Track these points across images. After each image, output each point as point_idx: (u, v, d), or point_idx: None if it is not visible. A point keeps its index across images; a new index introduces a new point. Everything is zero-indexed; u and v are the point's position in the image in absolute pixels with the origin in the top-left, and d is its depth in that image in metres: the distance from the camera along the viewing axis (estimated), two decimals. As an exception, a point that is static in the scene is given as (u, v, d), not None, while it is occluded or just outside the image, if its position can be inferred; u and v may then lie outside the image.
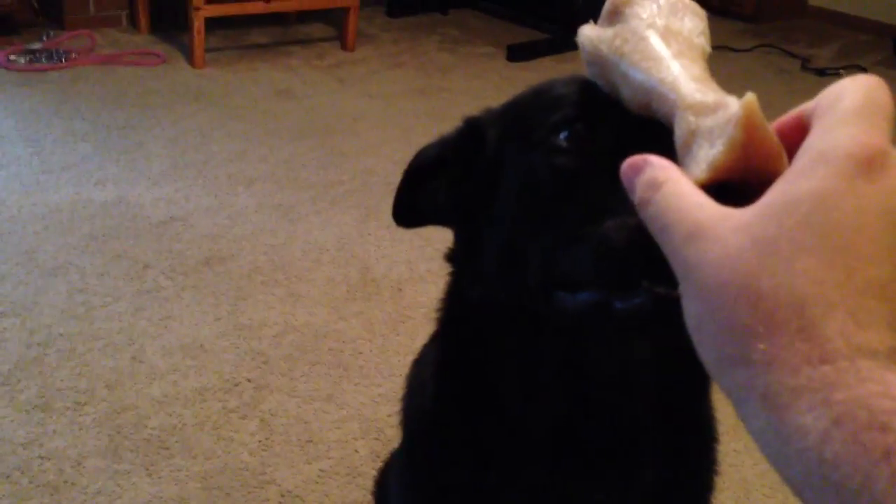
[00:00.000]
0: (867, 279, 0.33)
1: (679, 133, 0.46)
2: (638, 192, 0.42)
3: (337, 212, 2.54)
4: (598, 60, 0.55)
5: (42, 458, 1.57)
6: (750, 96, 0.41)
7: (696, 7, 0.57)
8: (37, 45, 3.46)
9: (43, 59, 3.40)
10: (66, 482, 1.53)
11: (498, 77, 3.78)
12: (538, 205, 0.62)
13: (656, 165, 0.42)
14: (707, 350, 0.37)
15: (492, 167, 0.69)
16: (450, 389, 0.77)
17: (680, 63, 0.50)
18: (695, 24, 0.55)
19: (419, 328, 2.02)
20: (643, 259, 0.47)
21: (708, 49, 0.54)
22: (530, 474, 0.73)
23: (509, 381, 0.71)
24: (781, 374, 0.33)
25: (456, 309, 0.76)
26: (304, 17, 4.24)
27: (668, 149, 0.46)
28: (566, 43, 4.04)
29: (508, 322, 0.69)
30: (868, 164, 0.35)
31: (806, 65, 4.19)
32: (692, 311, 0.38)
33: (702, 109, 0.46)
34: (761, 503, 1.62)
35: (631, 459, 0.71)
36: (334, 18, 4.15)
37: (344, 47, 3.96)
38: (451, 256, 0.76)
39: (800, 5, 5.10)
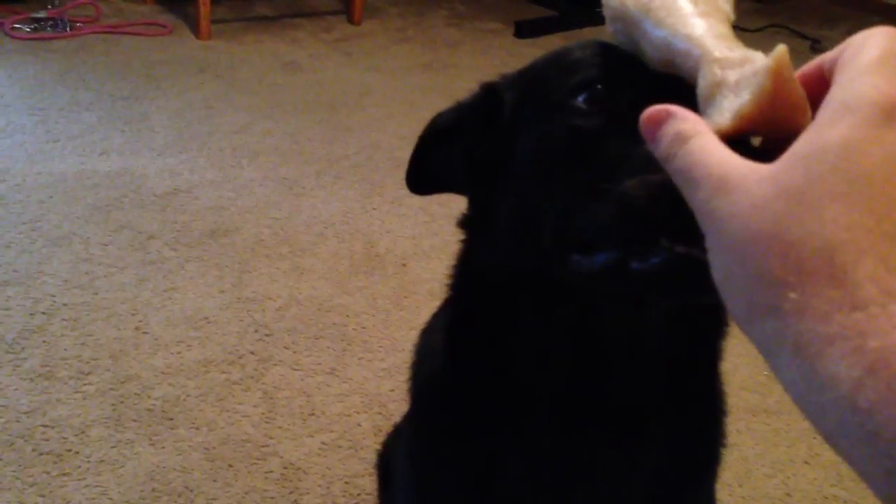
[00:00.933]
0: None
1: (703, 84, 0.46)
2: (663, 146, 0.42)
3: (342, 186, 2.53)
4: (623, 17, 0.55)
5: (45, 426, 1.58)
6: (781, 48, 0.41)
7: None
8: (41, 14, 3.43)
9: (48, 28, 3.37)
10: (69, 450, 1.53)
11: (505, 53, 3.76)
12: (556, 166, 0.61)
13: (680, 117, 0.42)
14: (736, 301, 0.37)
15: (508, 131, 0.68)
16: (460, 356, 0.77)
17: (706, 21, 0.50)
18: None
19: (423, 304, 2.02)
20: (663, 217, 0.47)
21: (732, 16, 0.54)
22: (539, 442, 0.73)
23: (521, 347, 0.71)
24: (813, 322, 0.33)
25: (469, 275, 0.76)
26: (311, -11, 4.20)
27: (689, 106, 0.46)
28: (574, 20, 4.01)
29: (522, 286, 0.68)
30: (893, 112, 0.35)
31: (815, 46, 4.16)
32: (720, 263, 0.37)
33: (728, 63, 0.46)
34: (762, 482, 1.62)
35: (640, 428, 0.71)
36: (341, -9, 4.11)
37: (351, 21, 3.93)
38: (465, 223, 0.76)
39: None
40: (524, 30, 3.98)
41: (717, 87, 0.45)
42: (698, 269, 0.40)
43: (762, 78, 0.41)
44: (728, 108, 0.43)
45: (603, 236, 0.55)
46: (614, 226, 0.53)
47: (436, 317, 0.92)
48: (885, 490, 0.31)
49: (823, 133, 0.36)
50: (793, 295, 0.33)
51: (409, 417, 0.94)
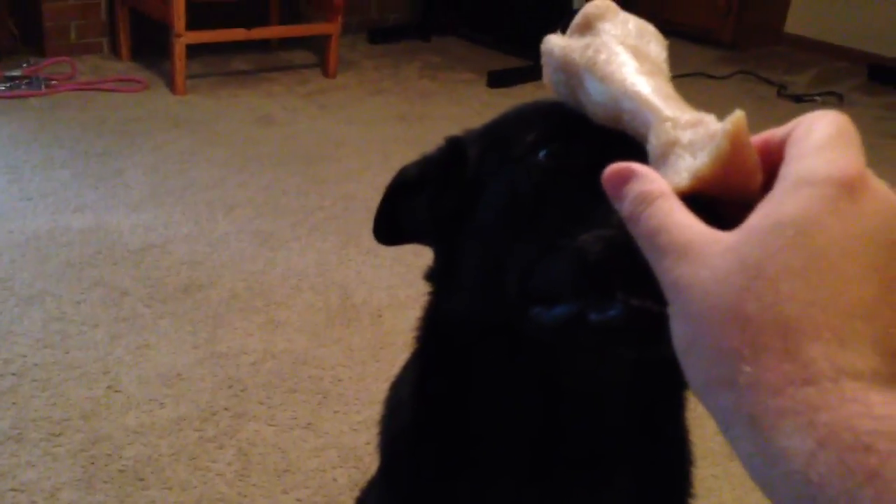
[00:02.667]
0: (852, 300, 0.34)
1: (656, 143, 0.47)
2: (626, 206, 0.42)
3: (317, 238, 2.53)
4: (567, 68, 0.56)
5: (15, 490, 1.55)
6: (739, 113, 0.42)
7: (660, 36, 0.59)
8: (17, 72, 3.46)
9: (23, 86, 3.39)
10: (38, 514, 1.50)
11: (478, 103, 3.81)
12: (517, 218, 0.63)
13: (643, 177, 0.42)
14: (694, 372, 0.37)
15: (472, 185, 0.70)
16: (427, 408, 0.77)
17: (653, 80, 0.51)
18: (659, 51, 0.57)
19: (399, 355, 2.01)
20: (617, 270, 0.47)
21: (669, 75, 0.55)
22: (506, 495, 0.73)
23: (485, 398, 0.71)
24: (766, 396, 0.33)
25: (434, 327, 0.76)
26: (286, 43, 4.25)
27: (642, 162, 0.47)
28: (546, 69, 4.08)
29: (486, 338, 0.69)
30: (849, 187, 0.36)
31: (782, 91, 4.24)
32: (680, 332, 0.38)
33: (680, 124, 0.46)
34: (741, 529, 1.62)
35: (607, 480, 0.71)
36: (316, 45, 4.17)
37: (325, 74, 3.98)
38: (431, 275, 0.77)
39: (777, 33, 5.17)
40: (497, 80, 4.05)
41: (671, 146, 0.46)
42: (654, 322, 0.40)
43: (720, 140, 0.42)
44: (685, 169, 0.43)
45: (561, 289, 0.56)
46: (571, 279, 0.54)
47: (405, 369, 0.92)
48: None
49: (782, 207, 0.36)
50: (748, 369, 0.34)
51: (379, 472, 0.93)
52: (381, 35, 4.56)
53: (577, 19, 0.58)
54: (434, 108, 3.71)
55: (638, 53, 0.54)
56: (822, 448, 0.31)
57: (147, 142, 3.07)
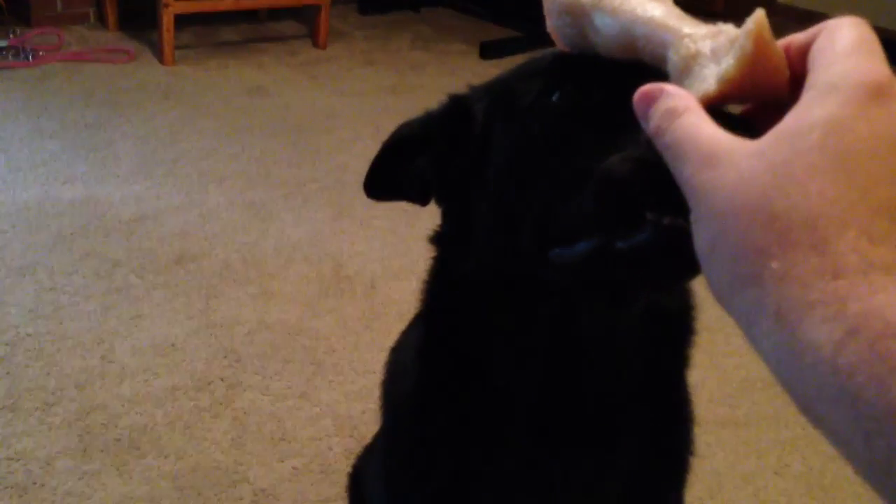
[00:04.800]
0: (880, 199, 0.34)
1: (676, 59, 0.46)
2: (654, 121, 0.42)
3: (309, 209, 2.53)
4: (573, 9, 0.55)
5: (10, 459, 1.55)
6: (760, 11, 0.42)
7: None
8: (3, 43, 3.41)
9: (9, 57, 3.35)
10: (34, 483, 1.51)
11: (470, 74, 3.78)
12: (533, 164, 0.62)
13: (672, 94, 0.43)
14: (719, 273, 0.37)
15: (480, 142, 0.69)
16: (434, 370, 0.77)
17: (663, 5, 0.51)
18: None
19: (393, 325, 2.01)
20: (646, 189, 0.47)
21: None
22: (513, 455, 0.73)
23: (498, 356, 0.71)
24: (795, 289, 0.34)
25: (443, 288, 0.76)
26: (276, 14, 4.21)
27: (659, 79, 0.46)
28: (539, 40, 4.05)
29: (500, 294, 0.69)
30: (878, 91, 0.36)
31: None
32: (705, 235, 0.38)
33: (699, 37, 0.46)
34: (733, 495, 1.63)
35: (612, 438, 0.71)
36: (306, 16, 4.12)
37: (316, 45, 3.94)
38: (437, 238, 0.76)
39: (770, 2, 5.15)
40: (489, 51, 4.02)
41: (694, 58, 0.45)
42: (685, 242, 0.40)
43: (744, 41, 0.42)
44: (711, 75, 0.43)
45: (585, 223, 0.54)
46: (598, 203, 0.52)
47: (406, 334, 0.92)
48: (864, 455, 0.31)
49: (811, 110, 0.37)
50: (775, 264, 0.34)
51: (381, 436, 0.94)
52: (371, 6, 4.51)
53: None
54: (426, 80, 3.68)
55: None
56: (851, 336, 0.32)
57: (137, 113, 3.04)
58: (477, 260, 0.70)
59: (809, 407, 0.34)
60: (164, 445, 1.62)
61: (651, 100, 0.43)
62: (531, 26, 4.24)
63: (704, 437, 1.70)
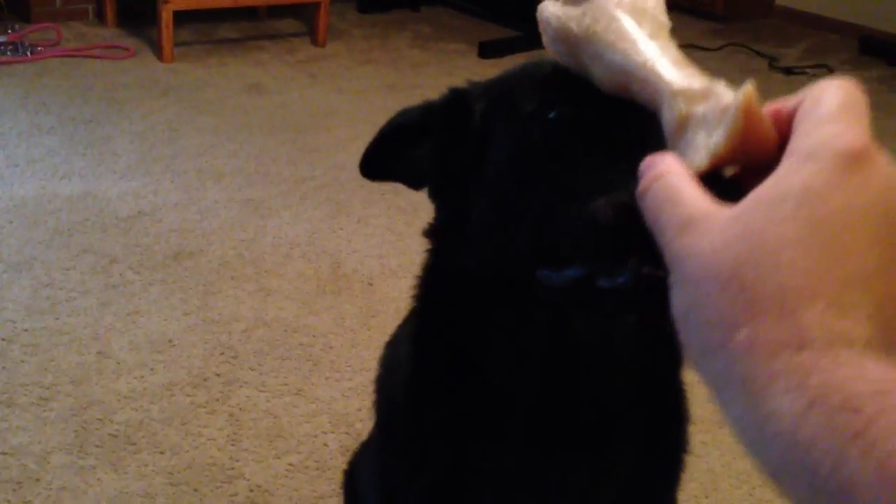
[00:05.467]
0: (850, 271, 0.34)
1: (669, 117, 0.47)
2: (640, 185, 0.43)
3: (307, 207, 2.52)
4: (567, 39, 0.55)
5: (5, 453, 1.55)
6: (749, 86, 0.42)
7: None
8: (1, 38, 3.40)
9: (8, 52, 3.34)
10: (29, 478, 1.50)
11: (469, 74, 3.75)
12: (528, 176, 0.62)
13: (661, 158, 0.44)
14: (691, 337, 0.38)
15: (478, 140, 0.69)
16: (429, 364, 0.77)
17: (657, 45, 0.51)
18: (656, 2, 0.56)
19: (390, 322, 2.01)
20: (629, 236, 0.47)
21: (669, 23, 0.54)
22: (508, 453, 0.73)
23: (492, 354, 0.71)
24: (760, 359, 0.34)
25: (437, 282, 0.76)
26: (275, 11, 4.21)
27: (651, 127, 0.47)
28: (537, 40, 4.04)
29: (494, 293, 0.69)
30: (854, 160, 0.36)
31: (773, 64, 4.24)
32: (680, 299, 0.38)
33: (692, 96, 0.47)
34: (728, 493, 1.64)
35: (608, 438, 0.71)
36: (305, 14, 4.12)
37: (315, 43, 3.94)
38: (432, 231, 0.76)
39: (767, 5, 5.15)
40: (488, 50, 4.02)
41: (685, 120, 0.46)
42: (663, 291, 0.41)
43: (733, 116, 0.42)
44: (702, 146, 0.44)
45: (572, 251, 0.56)
46: (583, 242, 0.54)
47: (401, 328, 0.92)
48: None
49: (787, 178, 0.37)
50: (743, 333, 0.34)
51: (375, 430, 0.94)
52: (371, 4, 4.51)
53: None
54: (425, 79, 3.68)
55: (636, 12, 0.53)
56: (811, 408, 0.32)
57: (135, 109, 3.04)
58: (471, 258, 0.70)
59: (774, 476, 0.34)
60: (159, 441, 1.62)
61: (648, 166, 0.44)
62: (530, 26, 4.23)
63: (700, 435, 1.70)
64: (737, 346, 0.35)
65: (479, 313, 0.71)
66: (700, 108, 0.45)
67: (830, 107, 0.39)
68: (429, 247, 0.76)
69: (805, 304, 0.33)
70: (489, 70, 3.78)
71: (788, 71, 4.14)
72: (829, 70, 4.15)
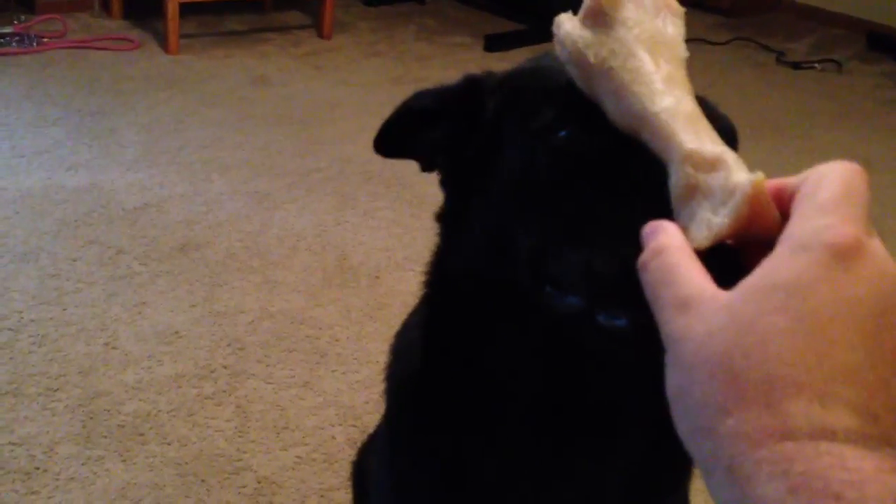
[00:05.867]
0: (836, 364, 0.35)
1: (676, 182, 0.47)
2: (642, 257, 0.44)
3: (313, 199, 2.52)
4: (583, 66, 0.54)
5: (13, 444, 1.55)
6: (760, 176, 0.43)
7: (676, 5, 0.56)
8: (7, 29, 3.40)
9: (13, 44, 3.34)
10: (37, 468, 1.51)
11: (475, 67, 3.75)
12: (533, 197, 0.61)
13: (664, 230, 0.45)
14: (682, 419, 0.39)
15: (489, 137, 0.68)
16: (437, 351, 0.77)
17: (672, 96, 0.50)
18: (676, 27, 0.55)
19: (397, 315, 2.00)
20: (629, 287, 0.47)
21: (686, 54, 0.54)
22: (514, 442, 0.73)
23: (495, 349, 0.71)
24: (745, 447, 0.35)
25: (443, 276, 0.76)
26: (280, 4, 4.20)
27: (660, 175, 0.48)
28: (543, 34, 4.04)
29: (495, 294, 0.68)
30: (845, 254, 0.37)
31: (781, 58, 4.22)
32: (673, 381, 0.40)
33: (701, 163, 0.47)
34: None
35: (614, 428, 0.71)
36: (311, 6, 4.11)
37: (320, 35, 3.93)
38: (441, 217, 0.76)
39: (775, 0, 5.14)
40: (494, 44, 4.01)
41: (692, 190, 0.46)
42: (658, 343, 0.42)
43: (740, 202, 0.43)
44: (705, 223, 0.45)
45: (573, 286, 0.56)
46: (582, 285, 0.55)
47: (411, 316, 0.91)
48: None
49: (779, 268, 0.38)
50: (730, 420, 0.36)
51: (384, 420, 0.93)
52: (376, -3, 4.50)
53: (590, 4, 0.54)
54: (430, 72, 3.67)
55: (654, 44, 0.52)
56: (793, 495, 0.33)
57: (141, 101, 3.04)
58: (472, 259, 0.69)
59: None
60: (167, 433, 1.62)
61: (650, 234, 0.45)
62: (536, 19, 4.23)
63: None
64: (724, 433, 0.36)
65: (482, 311, 0.71)
66: (708, 180, 0.46)
67: (829, 194, 0.39)
68: (438, 231, 0.76)
69: (790, 396, 0.35)
70: (495, 63, 3.77)
71: (796, 66, 4.12)
72: (836, 65, 4.13)
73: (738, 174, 0.44)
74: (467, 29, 4.28)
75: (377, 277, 2.18)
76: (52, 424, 1.60)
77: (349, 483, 1.49)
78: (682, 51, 0.54)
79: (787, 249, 0.38)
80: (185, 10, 3.56)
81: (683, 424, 0.39)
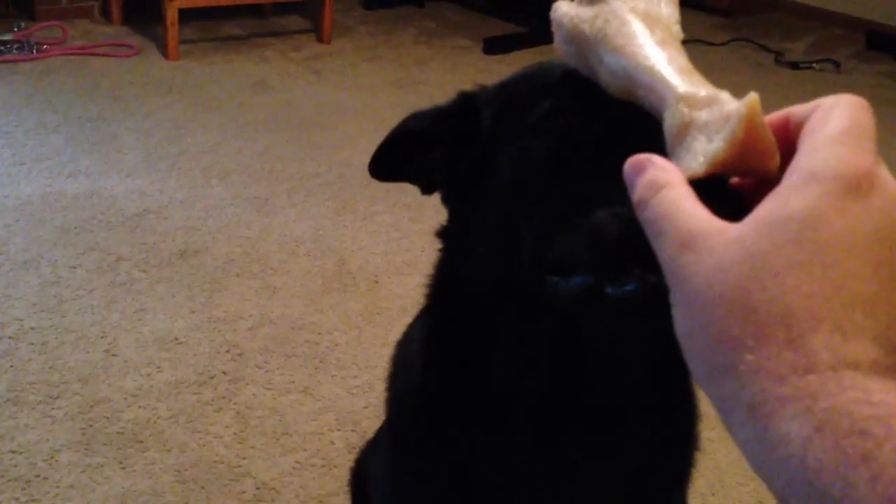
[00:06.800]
0: (854, 295, 0.34)
1: (671, 123, 0.47)
2: (637, 192, 0.43)
3: (313, 204, 2.53)
4: (578, 40, 0.55)
5: (13, 452, 1.55)
6: (753, 96, 0.42)
7: None
8: (7, 37, 3.41)
9: (14, 51, 3.35)
10: (38, 476, 1.51)
11: (474, 70, 3.78)
12: (532, 188, 0.62)
13: (658, 166, 0.43)
14: (696, 360, 0.38)
15: (487, 148, 0.69)
16: (439, 362, 0.77)
17: (666, 52, 0.50)
18: (671, 10, 0.56)
19: (396, 320, 2.01)
20: (634, 249, 0.47)
21: (681, 35, 0.54)
22: (516, 450, 0.73)
23: (500, 356, 0.71)
24: (768, 384, 0.34)
25: (447, 284, 0.76)
26: (280, 8, 4.21)
27: (656, 136, 0.47)
28: (542, 36, 4.05)
29: (500, 299, 0.69)
30: (857, 185, 0.36)
31: (779, 58, 4.22)
32: (683, 321, 0.38)
33: (695, 102, 0.46)
34: (735, 490, 1.63)
35: (616, 436, 0.71)
36: (310, 10, 4.12)
37: (320, 40, 3.94)
38: (443, 233, 0.76)
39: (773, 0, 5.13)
40: (493, 46, 4.01)
41: (687, 127, 0.45)
42: (668, 300, 0.41)
43: (735, 125, 0.42)
44: (701, 152, 0.44)
45: (578, 262, 0.56)
46: (588, 254, 0.55)
47: (412, 326, 0.92)
48: None
49: (791, 200, 0.37)
50: (750, 357, 0.35)
51: (385, 429, 0.94)
52: (375, 0, 4.51)
53: None
54: (429, 75, 3.68)
55: (649, 18, 0.53)
56: (819, 433, 0.32)
57: (140, 107, 3.05)
58: (477, 265, 0.70)
59: (784, 499, 0.34)
60: (166, 439, 1.62)
61: (639, 170, 0.43)
62: (535, 22, 4.23)
63: (706, 432, 1.68)
64: (744, 370, 0.35)
65: (487, 317, 0.71)
66: (703, 115, 0.45)
67: (838, 126, 0.39)
68: (440, 247, 0.77)
69: (811, 328, 0.34)
70: (494, 66, 3.78)
71: (795, 66, 4.12)
72: (835, 65, 4.13)
73: (732, 104, 0.44)
74: (466, 32, 4.28)
75: (376, 282, 2.18)
76: (53, 432, 1.61)
77: (348, 489, 1.49)
78: (676, 30, 0.54)
79: (797, 180, 0.37)
80: (184, 16, 3.57)
81: (699, 366, 0.38)
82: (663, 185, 0.41)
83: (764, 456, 0.34)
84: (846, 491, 0.31)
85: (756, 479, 1.64)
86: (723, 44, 4.40)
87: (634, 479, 0.76)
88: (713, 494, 1.62)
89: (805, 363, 0.33)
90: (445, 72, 3.74)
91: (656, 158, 0.43)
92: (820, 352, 0.33)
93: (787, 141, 0.42)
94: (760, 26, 4.77)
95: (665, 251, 0.39)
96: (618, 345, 0.68)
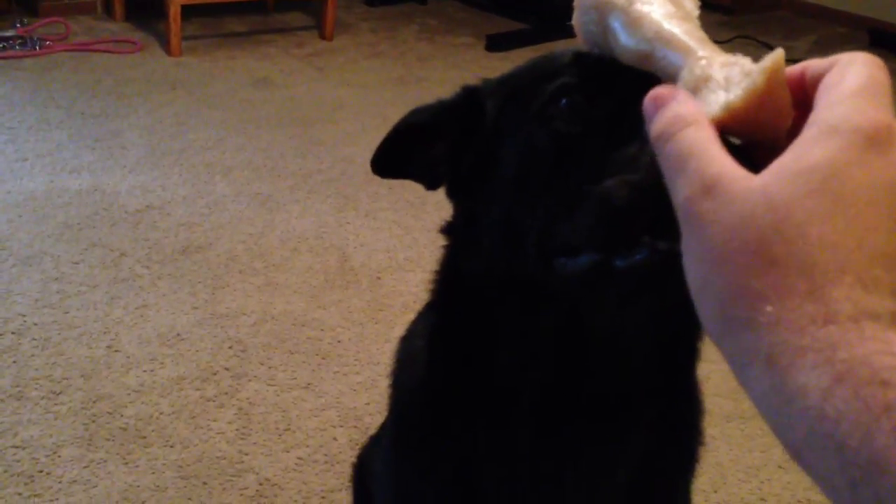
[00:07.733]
0: (876, 247, 0.34)
1: (689, 77, 0.46)
2: (659, 125, 0.41)
3: (315, 200, 2.53)
4: (601, 6, 0.55)
5: (16, 447, 1.56)
6: (779, 51, 0.42)
7: None
8: (10, 33, 3.41)
9: (16, 47, 3.35)
10: (40, 471, 1.51)
11: (476, 67, 3.77)
12: (539, 173, 0.62)
13: (686, 102, 0.42)
14: (711, 313, 0.37)
15: (491, 139, 0.69)
16: (443, 358, 0.77)
17: (687, 24, 0.51)
18: (692, 7, 0.56)
19: (398, 316, 2.02)
20: (643, 215, 0.47)
21: (697, 12, 0.55)
22: (519, 447, 0.73)
23: (505, 350, 0.71)
24: (787, 335, 0.34)
25: (452, 279, 0.76)
26: (282, 5, 4.21)
27: None
28: (545, 33, 4.04)
29: (506, 292, 0.69)
30: (876, 138, 0.36)
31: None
32: (697, 272, 0.38)
33: (715, 62, 0.46)
34: (737, 488, 1.63)
35: (621, 429, 0.71)
36: (313, 7, 4.12)
37: (322, 36, 3.94)
38: (448, 229, 0.76)
39: (777, -2, 5.12)
40: (495, 43, 4.01)
41: (704, 81, 0.45)
42: (680, 266, 0.40)
43: (757, 76, 0.42)
44: (715, 102, 0.43)
45: (586, 237, 0.56)
46: (597, 225, 0.54)
47: (416, 323, 0.92)
48: (850, 503, 0.31)
49: (812, 150, 0.36)
50: (769, 308, 0.34)
51: (388, 425, 0.94)
52: (378, -3, 4.51)
53: None
54: (432, 72, 3.68)
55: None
56: (838, 383, 0.32)
57: (143, 103, 3.05)
58: (483, 258, 0.70)
59: (798, 452, 0.34)
60: (169, 435, 1.62)
61: (662, 102, 0.42)
62: (537, 19, 4.23)
63: (709, 430, 1.69)
64: (764, 322, 0.34)
65: (492, 312, 0.71)
66: (722, 72, 0.45)
67: (855, 81, 0.39)
68: (445, 243, 0.76)
69: (833, 280, 0.34)
70: (496, 63, 3.78)
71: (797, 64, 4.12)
72: (838, 62, 4.12)
73: (753, 66, 0.44)
74: (469, 29, 4.28)
75: (379, 278, 2.18)
76: (55, 427, 1.61)
77: (350, 485, 1.49)
78: (692, 8, 0.55)
79: (817, 133, 0.37)
80: (187, 12, 3.56)
81: (714, 318, 0.37)
82: (690, 123, 0.40)
83: (780, 409, 0.34)
84: (867, 439, 0.30)
85: (758, 476, 1.64)
86: (725, 41, 4.39)
87: (638, 470, 0.76)
88: (715, 491, 1.62)
89: (825, 314, 0.33)
90: (447, 68, 3.73)
91: (682, 94, 0.43)
92: (841, 303, 0.33)
93: (802, 95, 0.42)
94: (763, 24, 4.77)
95: (684, 192, 0.38)
96: (622, 333, 0.68)
